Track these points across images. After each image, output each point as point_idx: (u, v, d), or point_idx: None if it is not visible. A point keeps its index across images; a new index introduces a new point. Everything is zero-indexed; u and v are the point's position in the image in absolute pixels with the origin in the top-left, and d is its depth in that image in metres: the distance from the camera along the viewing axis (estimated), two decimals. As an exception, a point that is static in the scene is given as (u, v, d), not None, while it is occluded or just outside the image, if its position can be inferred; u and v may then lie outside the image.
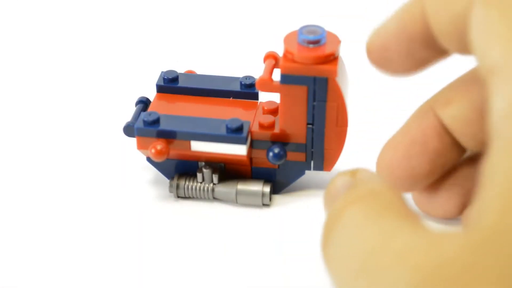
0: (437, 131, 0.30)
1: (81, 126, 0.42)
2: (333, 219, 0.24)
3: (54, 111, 0.43)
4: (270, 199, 0.36)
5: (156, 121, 0.34)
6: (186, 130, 0.34)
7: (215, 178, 0.36)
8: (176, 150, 0.35)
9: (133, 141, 0.35)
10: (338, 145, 0.35)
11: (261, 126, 0.35)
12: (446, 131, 0.30)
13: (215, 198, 0.36)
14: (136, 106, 0.37)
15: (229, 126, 0.34)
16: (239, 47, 0.49)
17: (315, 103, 0.34)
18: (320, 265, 0.29)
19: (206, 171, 0.35)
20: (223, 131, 0.34)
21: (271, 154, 0.35)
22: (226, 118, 0.35)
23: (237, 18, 0.53)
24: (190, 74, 0.38)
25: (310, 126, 0.34)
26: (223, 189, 0.36)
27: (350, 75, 0.35)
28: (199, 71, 0.39)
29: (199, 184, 0.36)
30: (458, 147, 0.30)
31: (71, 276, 0.32)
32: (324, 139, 0.34)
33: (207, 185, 0.36)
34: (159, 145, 0.34)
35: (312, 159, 0.35)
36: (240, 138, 0.34)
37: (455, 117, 0.29)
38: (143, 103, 0.37)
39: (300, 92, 0.33)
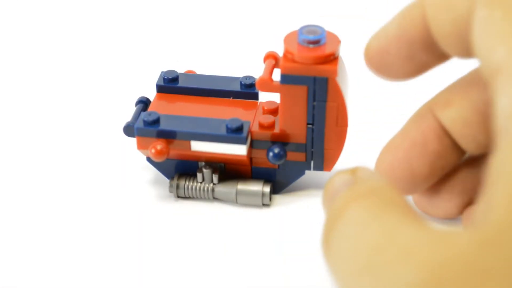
0: (437, 133, 0.30)
1: (81, 126, 0.42)
2: (334, 217, 0.23)
3: (54, 111, 0.43)
4: (270, 199, 0.36)
5: (156, 121, 0.34)
6: (186, 130, 0.34)
7: (215, 178, 0.36)
8: (176, 150, 0.35)
9: (133, 141, 0.35)
10: (338, 145, 0.35)
11: (261, 126, 0.35)
12: (445, 133, 0.30)
13: (215, 198, 0.36)
14: (136, 106, 0.37)
15: (229, 126, 0.34)
16: (239, 47, 0.49)
17: (315, 103, 0.34)
18: (320, 265, 0.29)
19: (206, 171, 0.35)
20: (223, 131, 0.34)
21: (271, 154, 0.35)
22: (226, 118, 0.35)
23: (237, 18, 0.53)
24: (190, 74, 0.38)
25: (310, 126, 0.34)
26: (223, 189, 0.36)
27: (350, 75, 0.35)
28: (199, 71, 0.39)
29: (199, 184, 0.36)
30: (458, 149, 0.30)
31: (71, 276, 0.32)
32: (324, 139, 0.34)
33: (207, 185, 0.36)
34: (159, 145, 0.34)
35: (312, 159, 0.35)
36: (240, 138, 0.34)
37: (454, 119, 0.29)
38: (143, 103, 0.37)
39: (300, 92, 0.33)
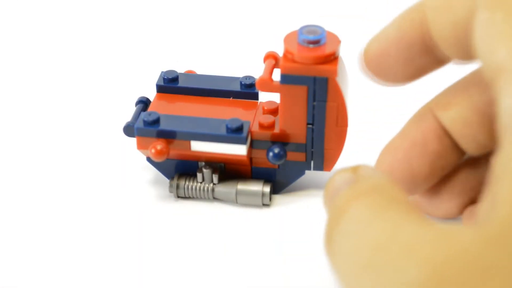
0: (437, 133, 0.30)
1: (81, 126, 0.42)
2: (336, 214, 0.23)
3: (54, 111, 0.43)
4: (270, 199, 0.36)
5: (156, 121, 0.34)
6: (186, 130, 0.34)
7: (215, 178, 0.36)
8: (176, 150, 0.35)
9: (133, 141, 0.35)
10: (338, 145, 0.35)
11: (261, 126, 0.35)
12: (445, 133, 0.30)
13: (215, 198, 0.36)
14: (136, 106, 0.37)
15: (229, 126, 0.34)
16: (239, 47, 0.49)
17: (315, 103, 0.34)
18: (320, 265, 0.29)
19: (206, 171, 0.35)
20: (223, 131, 0.34)
21: (271, 154, 0.35)
22: (226, 118, 0.35)
23: (237, 18, 0.53)
24: (190, 74, 0.38)
25: (310, 126, 0.34)
26: (223, 189, 0.36)
27: (350, 75, 0.35)
28: (199, 71, 0.39)
29: (199, 184, 0.36)
30: (458, 149, 0.30)
31: (71, 276, 0.32)
32: (324, 139, 0.34)
33: (207, 185, 0.36)
34: (159, 145, 0.34)
35: (312, 159, 0.35)
36: (240, 138, 0.34)
37: (454, 119, 0.29)
38: (143, 103, 0.37)
39: (300, 92, 0.33)
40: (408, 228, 0.21)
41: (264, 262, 0.33)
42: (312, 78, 0.33)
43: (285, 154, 0.35)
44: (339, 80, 0.33)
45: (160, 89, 0.37)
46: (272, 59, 0.35)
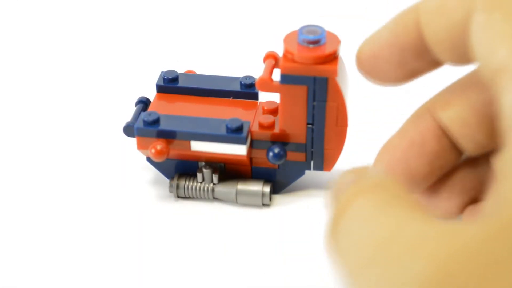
0: (435, 133, 0.30)
1: (81, 126, 0.42)
2: (340, 210, 0.23)
3: (55, 111, 0.43)
4: (270, 199, 0.36)
5: (156, 121, 0.34)
6: (186, 130, 0.34)
7: (215, 178, 0.36)
8: (176, 150, 0.35)
9: (133, 141, 0.35)
10: (338, 145, 0.35)
11: (261, 126, 0.35)
12: (444, 133, 0.30)
13: (215, 198, 0.36)
14: (136, 106, 0.37)
15: (229, 126, 0.34)
16: (239, 47, 0.49)
17: (315, 103, 0.34)
18: (320, 265, 0.29)
19: (206, 171, 0.35)
20: (223, 131, 0.34)
21: (271, 154, 0.35)
22: (226, 118, 0.35)
23: (237, 18, 0.53)
24: (190, 74, 0.38)
25: (310, 126, 0.34)
26: (223, 189, 0.36)
27: (350, 75, 0.35)
28: (199, 71, 0.39)
29: (199, 184, 0.36)
30: (456, 149, 0.30)
31: (71, 276, 0.32)
32: (324, 139, 0.34)
33: (207, 185, 0.36)
34: (159, 145, 0.34)
35: (312, 159, 0.35)
36: (240, 138, 0.34)
37: (453, 119, 0.29)
38: (143, 103, 0.37)
39: (300, 92, 0.33)
40: (412, 224, 0.21)
41: (264, 262, 0.33)
42: (312, 78, 0.33)
43: (285, 154, 0.35)
44: (339, 80, 0.33)
45: (160, 89, 0.37)
46: (272, 59, 0.35)
